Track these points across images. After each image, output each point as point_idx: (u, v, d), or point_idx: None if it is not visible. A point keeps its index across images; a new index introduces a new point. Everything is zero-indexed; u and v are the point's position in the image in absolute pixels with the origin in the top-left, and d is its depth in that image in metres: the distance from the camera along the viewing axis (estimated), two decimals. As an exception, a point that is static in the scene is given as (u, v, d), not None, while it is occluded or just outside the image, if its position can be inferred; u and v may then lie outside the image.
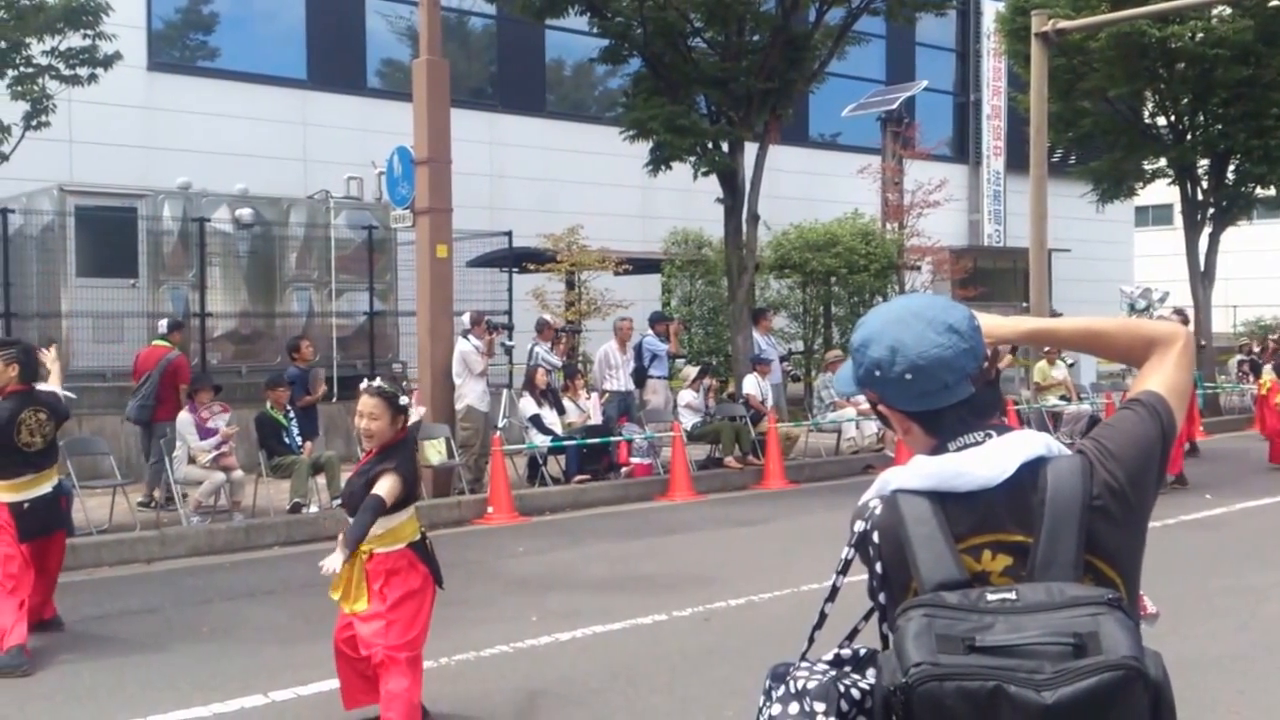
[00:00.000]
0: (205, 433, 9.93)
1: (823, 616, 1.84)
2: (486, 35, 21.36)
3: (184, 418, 9.98)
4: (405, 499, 4.85)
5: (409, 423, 4.94)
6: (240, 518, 9.96)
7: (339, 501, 10.21)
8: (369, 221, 14.63)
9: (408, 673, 4.79)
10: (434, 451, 10.93)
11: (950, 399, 1.79)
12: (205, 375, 11.29)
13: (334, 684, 5.39)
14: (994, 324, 1.93)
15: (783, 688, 1.72)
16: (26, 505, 6.40)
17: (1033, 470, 1.71)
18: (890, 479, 1.79)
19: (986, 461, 1.72)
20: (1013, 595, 1.58)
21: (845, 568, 1.81)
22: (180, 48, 18.69)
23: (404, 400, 4.89)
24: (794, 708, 1.69)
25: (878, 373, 1.81)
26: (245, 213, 13.78)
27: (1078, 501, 1.67)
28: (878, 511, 1.78)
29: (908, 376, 1.78)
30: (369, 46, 19.85)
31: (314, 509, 10.25)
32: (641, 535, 10.08)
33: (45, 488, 6.55)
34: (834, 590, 1.82)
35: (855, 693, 1.70)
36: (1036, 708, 1.47)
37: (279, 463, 10.31)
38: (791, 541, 9.70)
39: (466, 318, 11.75)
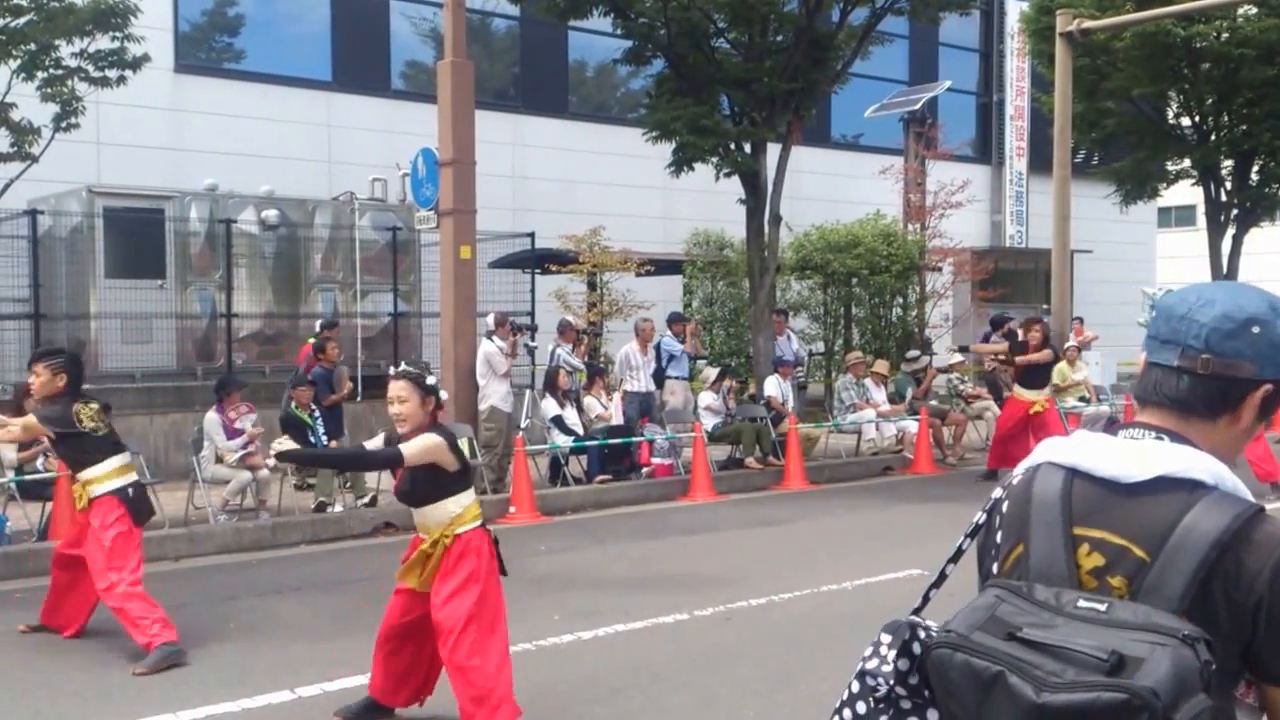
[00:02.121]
0: (232, 433, 10.04)
1: (942, 576, 1.81)
2: (509, 37, 21.44)
3: (211, 417, 10.10)
4: (462, 476, 4.90)
5: (439, 405, 4.95)
6: (267, 516, 10.07)
7: (363, 501, 10.39)
8: (393, 223, 14.73)
9: (480, 646, 4.79)
10: (457, 451, 11.00)
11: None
12: (232, 377, 11.42)
13: (361, 680, 5.46)
14: None
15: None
16: (131, 491, 6.42)
17: (1189, 490, 1.59)
18: (1045, 449, 1.74)
19: (1126, 459, 1.64)
20: (1103, 607, 1.51)
21: (975, 531, 1.78)
22: (207, 50, 18.86)
23: (431, 380, 4.92)
24: (869, 648, 1.71)
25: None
26: (271, 214, 13.91)
27: (1209, 540, 1.54)
28: (1015, 482, 1.75)
29: (1153, 310, 1.75)
30: (393, 48, 19.97)
31: (339, 508, 10.36)
32: (662, 535, 10.13)
33: (134, 475, 6.57)
34: (959, 551, 1.80)
35: (922, 634, 1.68)
36: (1027, 704, 1.44)
37: (305, 462, 10.41)
38: (812, 542, 9.73)
39: (490, 319, 11.83)
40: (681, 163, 15.28)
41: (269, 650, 6.47)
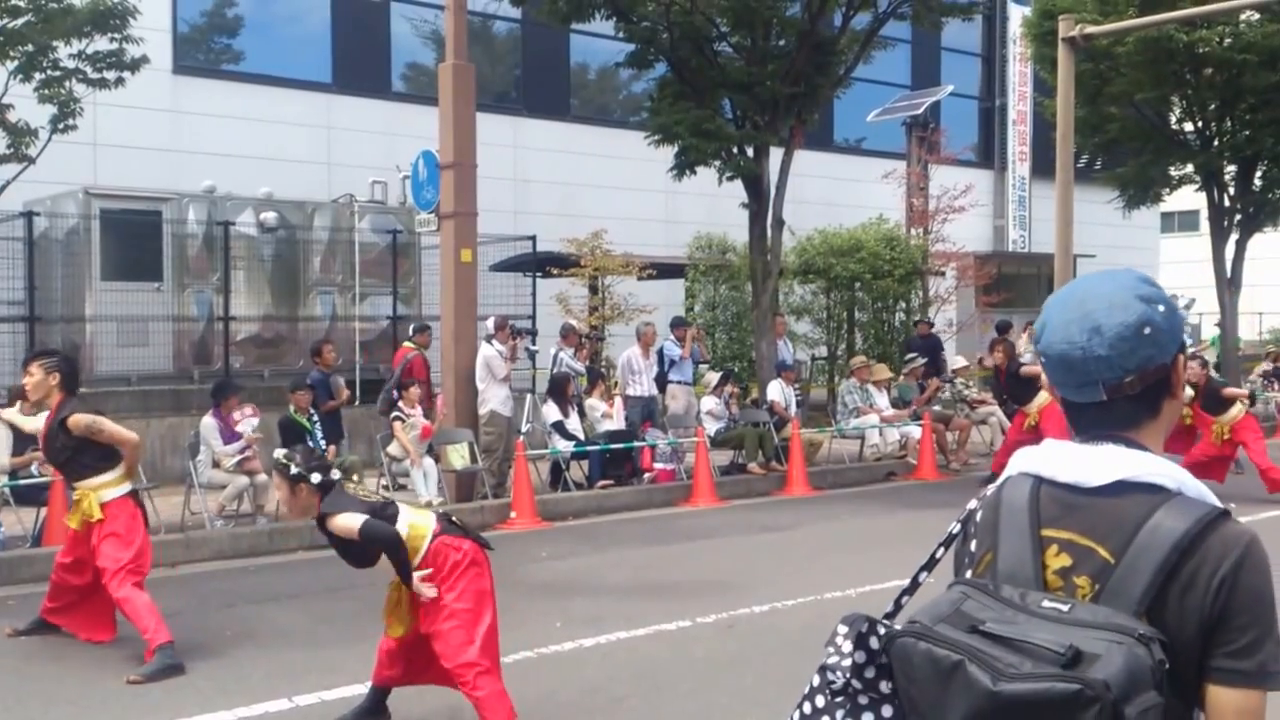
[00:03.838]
0: (230, 437, 9.94)
1: (915, 583, 1.85)
2: (511, 39, 21.39)
3: (207, 422, 10.00)
4: (393, 525, 4.74)
5: (323, 483, 4.74)
6: (264, 521, 9.97)
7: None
8: (393, 226, 14.66)
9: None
10: (457, 456, 10.93)
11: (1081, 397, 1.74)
12: (229, 380, 11.31)
13: (359, 689, 5.37)
14: None
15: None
16: (138, 492, 6.42)
17: (1150, 493, 1.63)
18: (1016, 461, 1.79)
19: (1088, 464, 1.68)
20: (1065, 608, 1.56)
21: (949, 540, 1.84)
22: (205, 51, 18.80)
23: (295, 470, 4.71)
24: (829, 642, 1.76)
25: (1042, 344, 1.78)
26: (269, 216, 13.83)
27: (1171, 543, 1.58)
28: (989, 493, 1.80)
29: (1043, 360, 1.78)
30: (394, 50, 19.91)
31: (337, 513, 10.24)
32: (664, 541, 10.03)
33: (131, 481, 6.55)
34: (932, 559, 1.84)
35: (882, 630, 1.70)
36: (982, 690, 1.48)
37: (303, 467, 10.30)
38: (815, 548, 9.63)
39: (490, 323, 11.75)
40: (684, 166, 15.22)
41: (266, 658, 6.37)
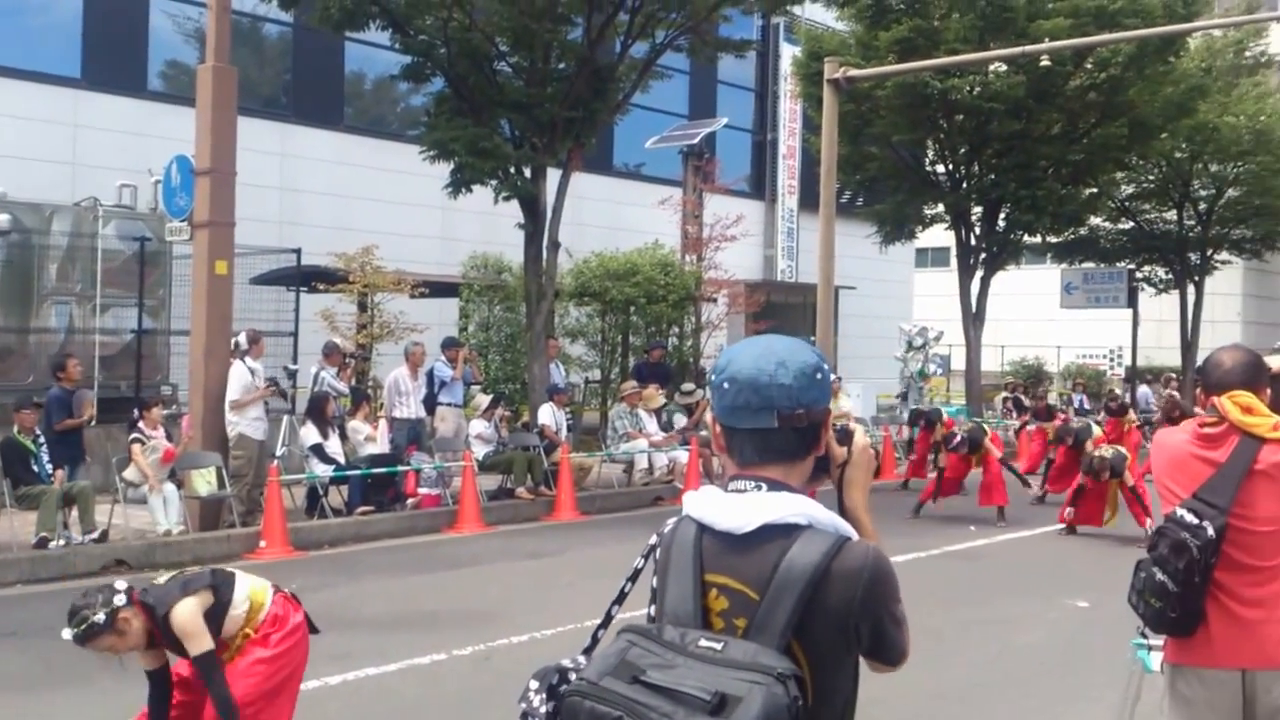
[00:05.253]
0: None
1: (609, 617, 1.99)
2: (282, 42, 20.54)
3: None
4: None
5: (129, 596, 4.14)
6: (-22, 552, 9.07)
7: (91, 536, 9.51)
8: (142, 233, 13.74)
9: None
10: (203, 482, 10.28)
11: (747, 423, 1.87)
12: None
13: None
14: None
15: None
16: None
17: (787, 534, 1.80)
18: (687, 502, 1.93)
19: (736, 512, 1.83)
20: (719, 646, 1.71)
21: (635, 576, 2.00)
22: (-64, 35, 17.18)
23: (102, 616, 4.02)
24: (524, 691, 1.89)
25: (713, 378, 1.94)
26: (1, 219, 12.70)
27: (806, 577, 1.76)
28: (666, 530, 1.95)
29: (725, 385, 1.89)
30: (152, 46, 18.71)
31: (61, 543, 9.44)
32: (426, 569, 9.76)
33: None
34: (622, 594, 2.00)
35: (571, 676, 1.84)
36: None
37: (25, 493, 9.46)
38: (579, 575, 9.57)
39: (243, 337, 11.16)
40: (460, 184, 14.98)
41: (-35, 708, 5.75)
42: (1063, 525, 11.66)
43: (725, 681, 1.65)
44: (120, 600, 4.06)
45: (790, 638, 1.75)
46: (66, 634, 4.07)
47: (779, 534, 1.80)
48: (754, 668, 1.66)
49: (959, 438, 12.81)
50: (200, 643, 4.10)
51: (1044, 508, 13.20)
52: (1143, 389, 26.76)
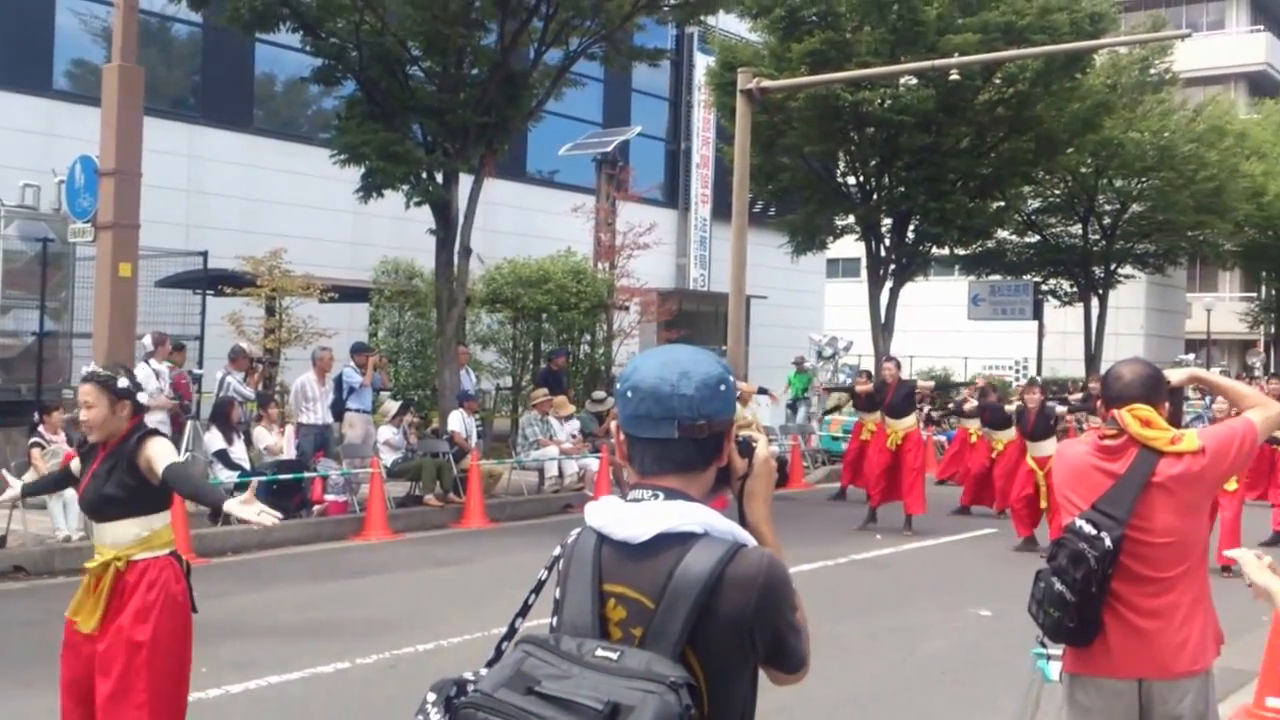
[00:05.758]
0: None
1: (512, 629, 1.99)
2: (191, 43, 20.16)
3: None
4: (164, 494, 4.24)
5: (141, 412, 4.33)
6: None
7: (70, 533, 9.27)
8: (45, 234, 13.45)
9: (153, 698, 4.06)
10: (103, 488, 10.07)
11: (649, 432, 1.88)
12: None
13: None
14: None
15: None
16: None
17: (683, 541, 1.80)
18: (588, 512, 1.94)
19: (632, 521, 1.84)
20: (615, 655, 1.72)
21: (539, 587, 1.99)
22: None
23: (124, 384, 4.25)
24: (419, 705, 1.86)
25: (618, 385, 1.95)
26: (-105, 217, 12.33)
27: (700, 584, 1.76)
28: (570, 539, 1.95)
29: (629, 394, 1.89)
30: (57, 44, 18.24)
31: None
32: (331, 577, 9.69)
33: None
34: (525, 606, 2.00)
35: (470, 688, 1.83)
36: None
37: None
38: (487, 583, 9.60)
39: (149, 339, 10.97)
40: (371, 188, 14.88)
41: None
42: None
43: (619, 691, 1.65)
44: (141, 399, 4.37)
45: (685, 646, 1.75)
46: (93, 368, 4.34)
47: (675, 542, 1.80)
48: (648, 676, 1.67)
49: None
50: (172, 456, 4.24)
51: (956, 518, 13.61)
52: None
